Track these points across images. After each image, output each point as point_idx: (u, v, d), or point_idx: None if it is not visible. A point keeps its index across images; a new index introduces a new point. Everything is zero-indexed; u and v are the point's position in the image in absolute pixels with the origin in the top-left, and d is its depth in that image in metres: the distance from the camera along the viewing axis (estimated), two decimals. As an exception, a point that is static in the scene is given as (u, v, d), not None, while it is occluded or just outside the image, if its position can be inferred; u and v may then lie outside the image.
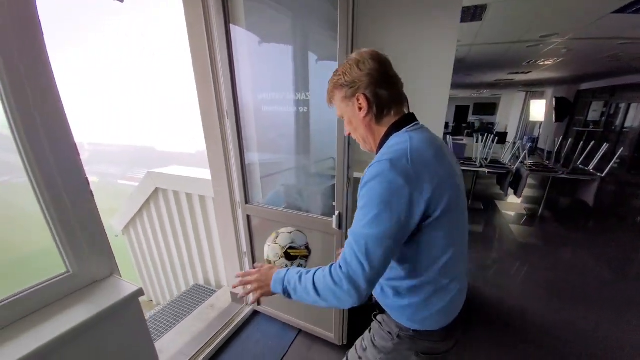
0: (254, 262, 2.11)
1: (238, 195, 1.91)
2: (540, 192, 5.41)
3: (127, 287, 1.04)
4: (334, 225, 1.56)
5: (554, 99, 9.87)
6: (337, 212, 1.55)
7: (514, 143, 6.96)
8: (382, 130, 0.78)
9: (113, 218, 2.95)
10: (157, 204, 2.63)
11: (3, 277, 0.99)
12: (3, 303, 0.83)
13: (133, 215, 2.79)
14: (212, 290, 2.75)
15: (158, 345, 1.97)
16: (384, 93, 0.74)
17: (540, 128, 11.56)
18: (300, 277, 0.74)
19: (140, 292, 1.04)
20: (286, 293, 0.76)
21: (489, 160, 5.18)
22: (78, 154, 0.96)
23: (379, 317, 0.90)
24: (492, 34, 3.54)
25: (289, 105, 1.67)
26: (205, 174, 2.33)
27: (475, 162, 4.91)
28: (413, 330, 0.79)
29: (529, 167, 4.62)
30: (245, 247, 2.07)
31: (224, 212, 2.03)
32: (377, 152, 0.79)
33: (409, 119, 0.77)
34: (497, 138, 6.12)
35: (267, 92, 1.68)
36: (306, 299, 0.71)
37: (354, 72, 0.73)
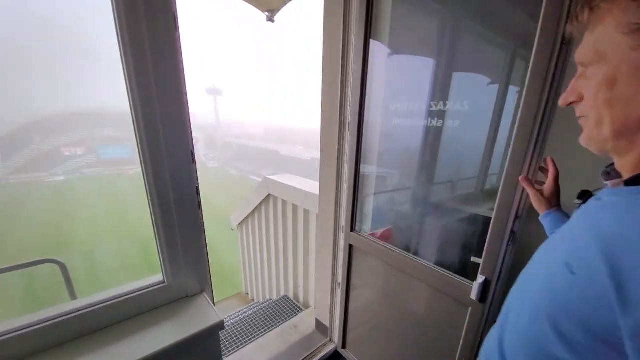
0: (347, 297, 1.81)
1: (344, 219, 1.66)
2: None
3: (211, 315, 0.90)
4: (474, 295, 1.06)
5: None
6: (482, 278, 1.04)
7: None
8: None
9: (232, 214, 3.31)
10: (267, 209, 2.73)
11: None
12: (105, 304, 0.81)
13: (247, 214, 3.02)
14: (299, 308, 2.61)
15: (239, 354, 1.93)
16: None
17: None
18: None
19: (221, 326, 0.89)
20: None
21: None
22: (193, 161, 0.90)
23: None
24: None
25: (419, 118, 1.30)
26: (314, 187, 2.21)
27: None
28: None
29: None
30: (340, 278, 1.79)
31: (325, 233, 1.82)
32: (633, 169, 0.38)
33: None
34: None
35: (397, 103, 1.36)
36: None
37: None
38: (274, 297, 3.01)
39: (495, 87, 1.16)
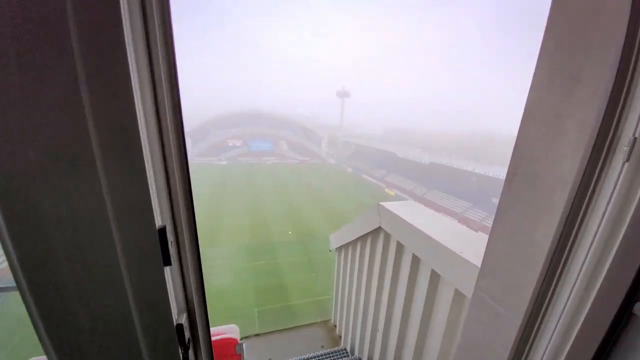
0: None
1: None
2: None
3: None
4: None
5: None
6: None
7: None
8: None
9: (333, 233, 2.76)
10: (374, 244, 2.00)
11: None
12: None
13: (348, 241, 2.39)
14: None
15: None
16: None
17: None
18: None
19: None
20: None
21: None
22: (167, 264, 0.28)
23: None
24: None
25: None
26: (465, 240, 1.31)
27: None
28: None
29: None
30: None
31: (487, 349, 0.93)
32: None
33: None
34: None
35: None
36: None
37: None
38: (366, 361, 2.27)
39: None
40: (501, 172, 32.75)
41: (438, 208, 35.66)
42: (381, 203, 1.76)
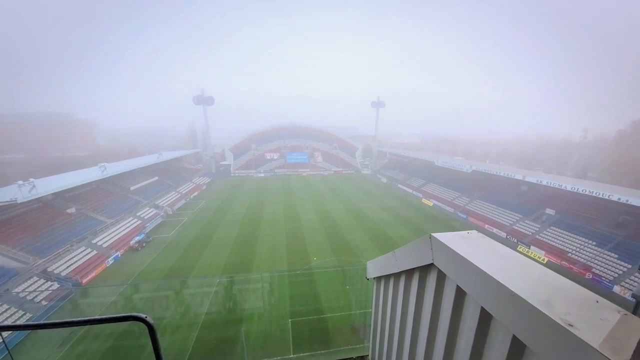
0: None
1: None
2: None
3: None
4: None
5: None
6: None
7: None
8: None
9: (370, 261, 2.44)
10: (422, 281, 1.64)
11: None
12: None
13: (387, 274, 2.05)
14: None
15: None
16: None
17: None
18: None
19: None
20: None
21: None
22: None
23: None
24: None
25: None
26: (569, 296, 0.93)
27: None
28: None
29: None
30: None
31: None
32: None
33: None
34: None
35: None
36: None
37: None
38: None
39: None
40: (557, 181, 28.90)
41: (482, 219, 32.58)
42: (434, 234, 1.42)
